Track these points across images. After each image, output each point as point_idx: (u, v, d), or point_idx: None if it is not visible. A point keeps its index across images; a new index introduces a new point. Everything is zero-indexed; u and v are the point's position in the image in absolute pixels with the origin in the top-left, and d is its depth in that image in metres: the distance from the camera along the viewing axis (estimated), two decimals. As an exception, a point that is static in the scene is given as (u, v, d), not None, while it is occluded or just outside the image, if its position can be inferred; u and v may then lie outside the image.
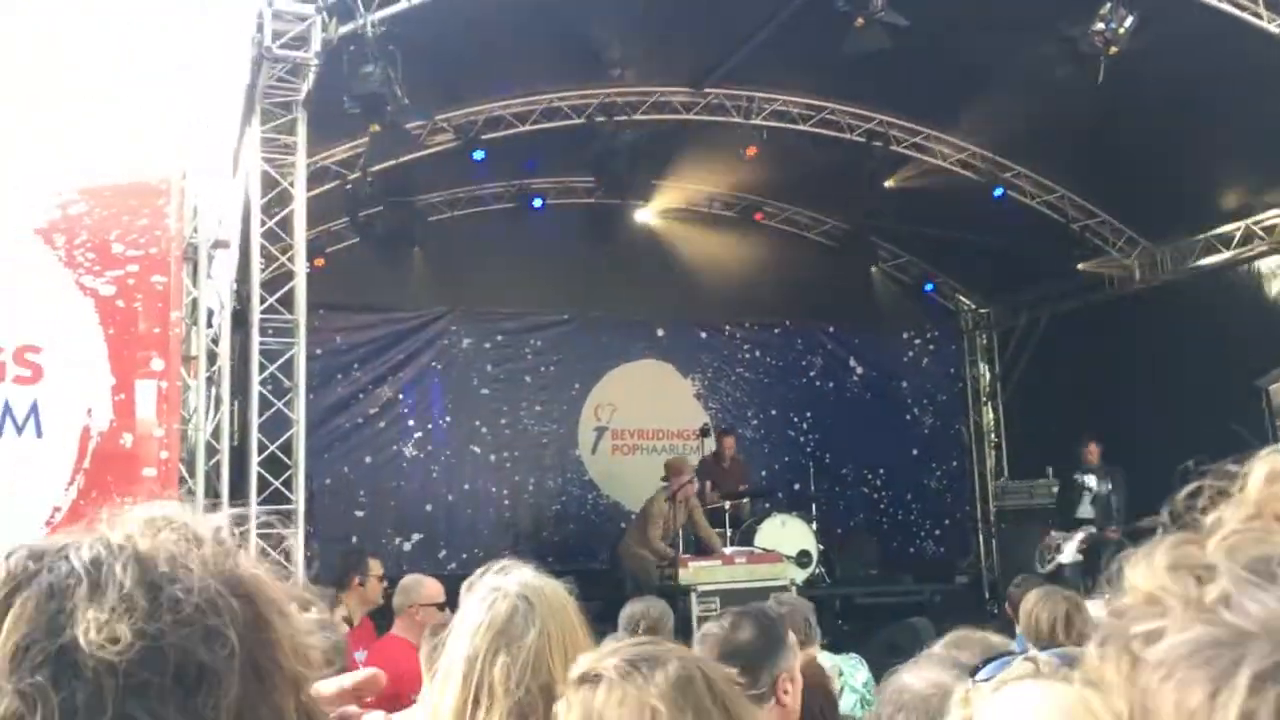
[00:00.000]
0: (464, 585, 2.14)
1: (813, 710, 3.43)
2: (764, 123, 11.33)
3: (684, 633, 4.32)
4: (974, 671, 1.43)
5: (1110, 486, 11.01)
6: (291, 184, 7.40)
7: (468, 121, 10.69)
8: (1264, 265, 11.03)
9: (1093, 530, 10.87)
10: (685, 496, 10.06)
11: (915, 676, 1.41)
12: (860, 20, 7.71)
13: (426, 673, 3.67)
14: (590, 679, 1.53)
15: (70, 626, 0.79)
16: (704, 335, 13.89)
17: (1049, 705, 1.32)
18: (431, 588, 5.55)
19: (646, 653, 1.55)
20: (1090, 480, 11.14)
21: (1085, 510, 11.07)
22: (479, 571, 2.12)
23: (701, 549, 10.07)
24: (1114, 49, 7.94)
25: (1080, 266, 12.59)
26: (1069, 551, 10.80)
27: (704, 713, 1.48)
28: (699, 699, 1.50)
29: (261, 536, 6.83)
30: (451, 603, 5.40)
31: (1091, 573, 10.52)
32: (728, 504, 10.83)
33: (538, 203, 12.56)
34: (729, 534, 10.57)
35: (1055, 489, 12.04)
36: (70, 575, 0.82)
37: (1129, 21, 7.85)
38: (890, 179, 11.94)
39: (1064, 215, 12.28)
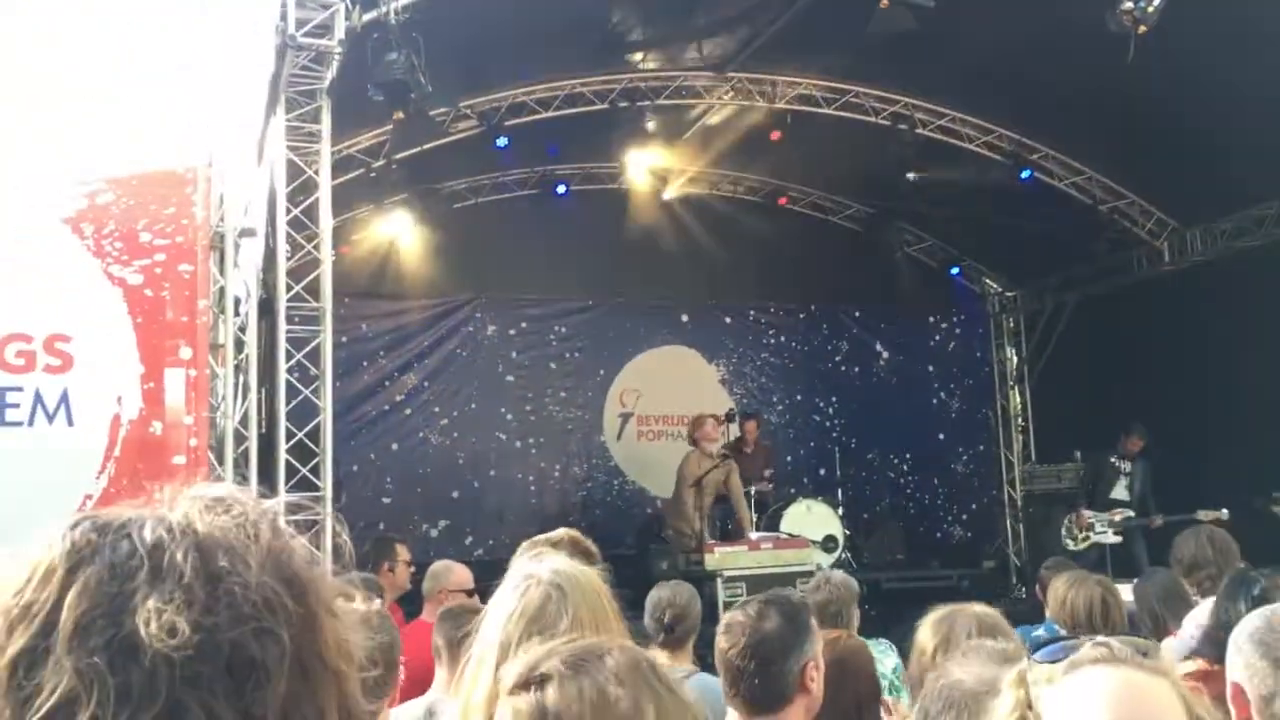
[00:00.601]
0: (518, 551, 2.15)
1: (858, 693, 3.42)
2: (788, 106, 11.27)
3: (710, 619, 4.31)
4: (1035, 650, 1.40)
5: (1143, 479, 11.14)
6: (316, 172, 7.42)
7: (491, 108, 10.69)
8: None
9: (1130, 514, 10.95)
10: (710, 440, 9.99)
11: (965, 672, 1.37)
12: (885, 1, 7.65)
13: (444, 659, 3.70)
14: (536, 681, 1.48)
15: (130, 611, 0.80)
16: (729, 320, 13.87)
17: (1132, 691, 1.29)
18: (461, 574, 5.58)
19: (584, 646, 1.52)
20: (1126, 465, 11.26)
21: (1120, 492, 11.19)
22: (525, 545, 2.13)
23: (729, 531, 10.07)
24: (1143, 28, 7.83)
25: (1108, 254, 12.50)
26: (1106, 531, 10.91)
27: (657, 695, 1.47)
28: (649, 681, 1.48)
29: (290, 523, 6.89)
30: (480, 589, 5.44)
31: (1124, 558, 10.51)
32: (752, 489, 10.81)
33: (561, 189, 12.56)
34: (754, 519, 10.56)
35: (1083, 470, 12.09)
36: (132, 556, 0.83)
37: (1158, 0, 7.74)
38: (915, 172, 11.88)
39: (1092, 197, 12.17)
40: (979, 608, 3.01)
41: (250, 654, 0.82)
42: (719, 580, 8.72)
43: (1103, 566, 9.99)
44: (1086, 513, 11.17)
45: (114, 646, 0.79)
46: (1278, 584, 3.06)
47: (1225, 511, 9.84)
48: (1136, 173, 11.82)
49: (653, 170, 12.35)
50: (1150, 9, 7.75)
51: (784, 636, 2.55)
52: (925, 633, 2.93)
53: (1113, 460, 11.37)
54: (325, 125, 7.40)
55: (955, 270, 14.70)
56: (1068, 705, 1.28)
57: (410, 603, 6.18)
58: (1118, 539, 10.87)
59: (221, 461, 6.61)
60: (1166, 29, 7.86)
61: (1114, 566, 10.19)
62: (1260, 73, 9.04)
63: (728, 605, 7.34)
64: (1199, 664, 2.92)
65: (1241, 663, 2.19)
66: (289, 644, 0.84)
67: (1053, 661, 1.36)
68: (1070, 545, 11.09)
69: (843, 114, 11.39)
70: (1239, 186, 10.89)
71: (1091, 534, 10.94)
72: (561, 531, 3.53)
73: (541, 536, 3.45)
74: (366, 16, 7.19)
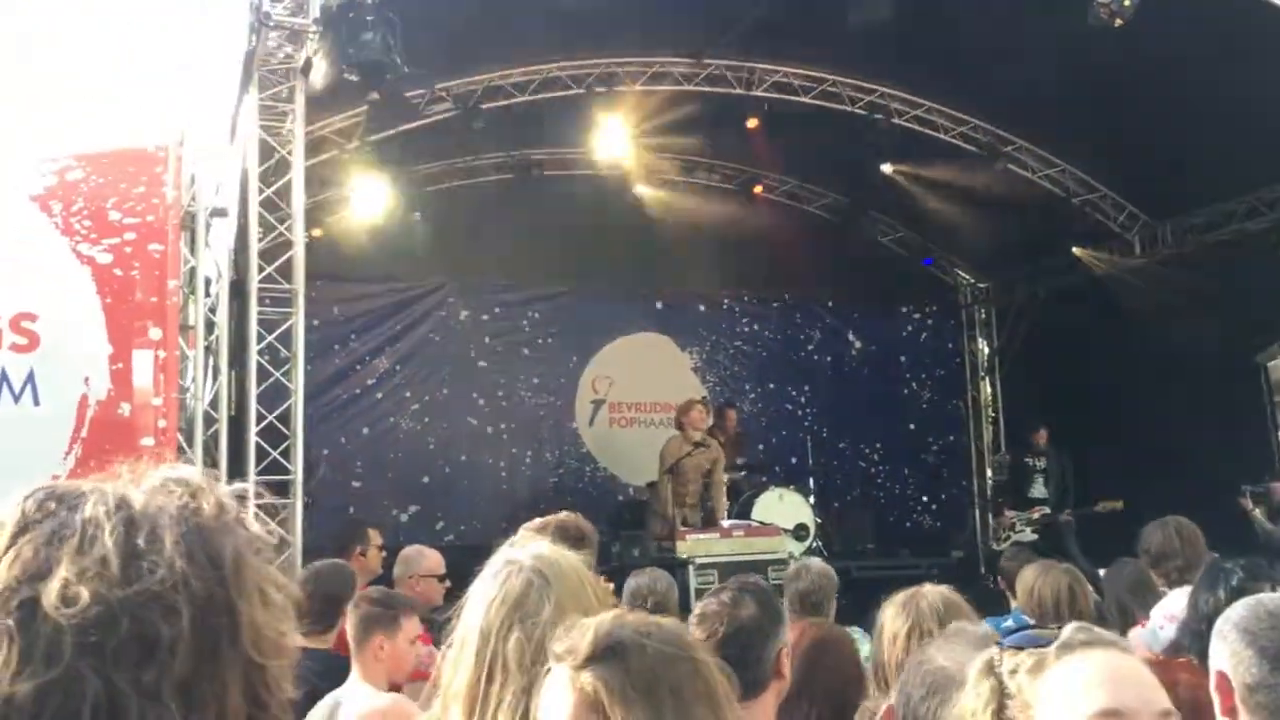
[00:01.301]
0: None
1: (845, 678, 3.42)
2: (765, 94, 11.26)
3: (683, 606, 4.31)
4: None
5: (1060, 469, 11.59)
6: (290, 152, 7.35)
7: (467, 91, 10.61)
8: (1265, 241, 10.99)
9: (1047, 510, 11.41)
10: (695, 426, 9.98)
11: (947, 658, 1.36)
12: (864, -10, 7.65)
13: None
14: (609, 650, 1.45)
15: (46, 578, 0.87)
16: (702, 308, 13.86)
17: (1127, 670, 1.29)
18: (432, 559, 5.56)
19: (642, 618, 1.52)
20: (1040, 463, 11.78)
21: (1038, 490, 11.68)
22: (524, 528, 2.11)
23: (703, 517, 10.07)
24: (1119, 21, 7.88)
25: (1077, 251, 12.63)
26: (1025, 530, 11.37)
27: (706, 660, 1.49)
28: (697, 649, 1.51)
29: (260, 507, 6.84)
30: (452, 574, 5.41)
31: (1045, 552, 10.66)
32: (726, 477, 10.83)
33: (536, 173, 12.48)
34: (727, 506, 10.58)
35: (1005, 471, 12.81)
36: (68, 527, 0.90)
37: (1135, -6, 7.79)
38: (890, 164, 11.94)
39: (1065, 189, 12.23)
40: (941, 589, 3.03)
41: (150, 630, 0.86)
42: (691, 567, 8.72)
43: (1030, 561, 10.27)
44: (1009, 513, 11.68)
45: (24, 609, 0.85)
46: (1254, 573, 3.08)
47: (1121, 502, 10.28)
48: (1109, 166, 11.90)
49: (629, 156, 12.31)
50: (1127, 4, 7.80)
51: (761, 624, 2.55)
52: (892, 619, 2.94)
53: (1026, 459, 11.93)
54: (299, 105, 7.33)
55: (928, 261, 14.75)
56: (1067, 687, 1.27)
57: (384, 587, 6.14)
58: (1035, 537, 11.17)
59: (191, 444, 6.55)
60: (1143, 24, 7.90)
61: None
62: (1233, 70, 9.11)
63: (699, 593, 7.37)
64: (1186, 658, 2.94)
65: (1227, 651, 2.21)
66: (188, 624, 0.87)
67: (1019, 648, 1.35)
68: (994, 545, 11.72)
69: (819, 103, 11.39)
70: (1210, 181, 10.98)
71: (1012, 533, 11.38)
72: (562, 515, 3.51)
73: (539, 521, 3.44)
74: (342, -5, 7.12)
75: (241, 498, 1.00)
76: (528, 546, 2.04)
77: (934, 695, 1.40)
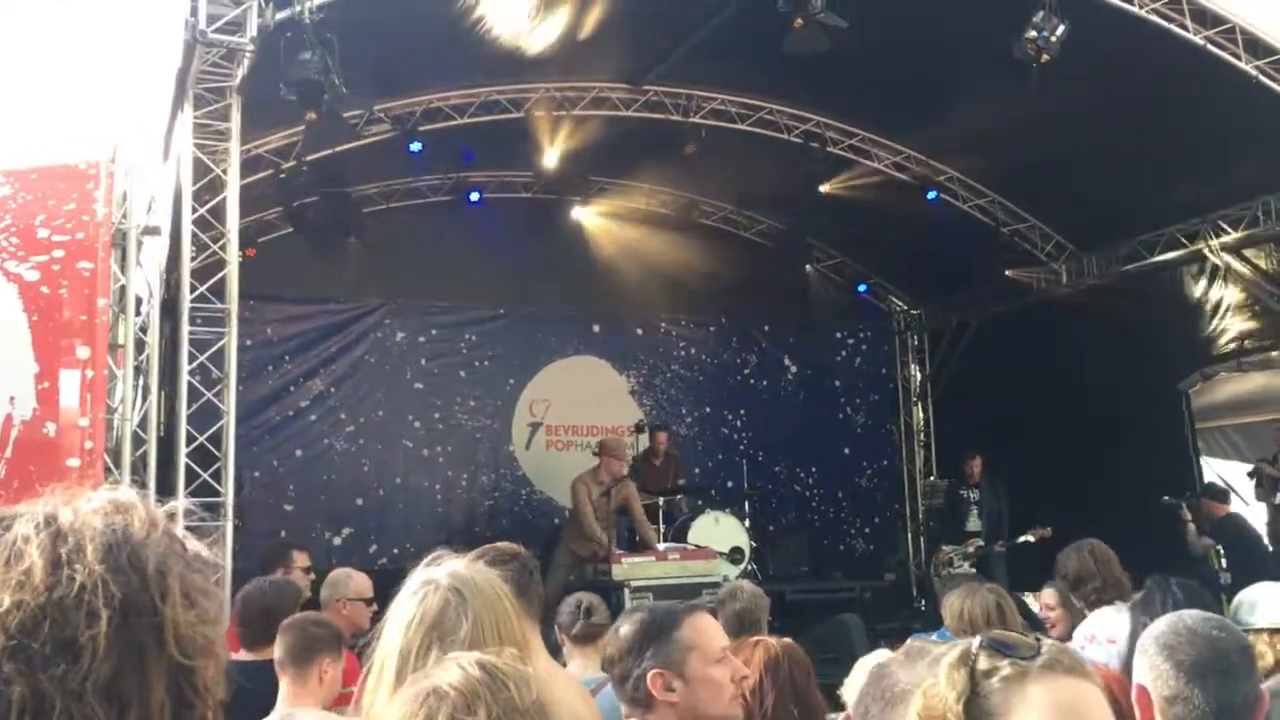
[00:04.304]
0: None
1: (796, 686, 3.44)
2: (702, 121, 11.38)
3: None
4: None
5: (995, 499, 11.56)
6: (225, 171, 7.28)
7: (406, 112, 10.60)
8: (1185, 272, 11.32)
9: (980, 543, 11.38)
10: (613, 474, 9.95)
11: (908, 674, 1.37)
12: (800, 21, 7.77)
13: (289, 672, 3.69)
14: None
15: None
16: (640, 332, 13.92)
17: (1099, 710, 1.28)
18: (360, 582, 5.49)
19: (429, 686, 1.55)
20: (974, 495, 11.74)
21: (974, 523, 11.63)
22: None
23: (637, 544, 10.08)
24: (1046, 57, 8.09)
25: (1009, 273, 12.85)
26: (963, 565, 11.33)
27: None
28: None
29: (189, 529, 6.74)
30: (379, 598, 5.37)
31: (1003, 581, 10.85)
32: (661, 500, 10.86)
33: (475, 196, 12.48)
34: (662, 530, 10.61)
35: (942, 506, 12.70)
36: None
37: (1060, 30, 8.00)
38: (826, 183, 12.08)
39: (994, 219, 12.49)
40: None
41: (71, 633, 0.91)
42: (626, 590, 8.74)
43: None
44: (945, 548, 11.65)
45: None
46: (1191, 596, 3.19)
47: (1050, 530, 10.46)
48: (1036, 198, 12.18)
49: (566, 180, 12.35)
50: (1053, 39, 8.01)
51: (630, 642, 2.53)
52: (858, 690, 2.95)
53: (961, 492, 11.93)
54: (235, 123, 7.27)
55: (863, 288, 14.96)
56: (1043, 710, 1.26)
57: (311, 611, 6.07)
58: (972, 570, 11.14)
59: (119, 465, 6.44)
60: (1070, 61, 8.12)
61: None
62: (1157, 107, 9.40)
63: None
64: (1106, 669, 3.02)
65: (1146, 664, 2.29)
66: (107, 624, 0.92)
67: (999, 651, 1.32)
68: (935, 583, 11.53)
69: (756, 130, 11.53)
70: (1133, 213, 11.28)
71: (951, 569, 11.38)
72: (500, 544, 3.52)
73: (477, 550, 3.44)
74: (280, 15, 7.08)
75: (172, 515, 1.05)
76: (444, 564, 2.05)
77: (891, 708, 1.41)
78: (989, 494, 11.61)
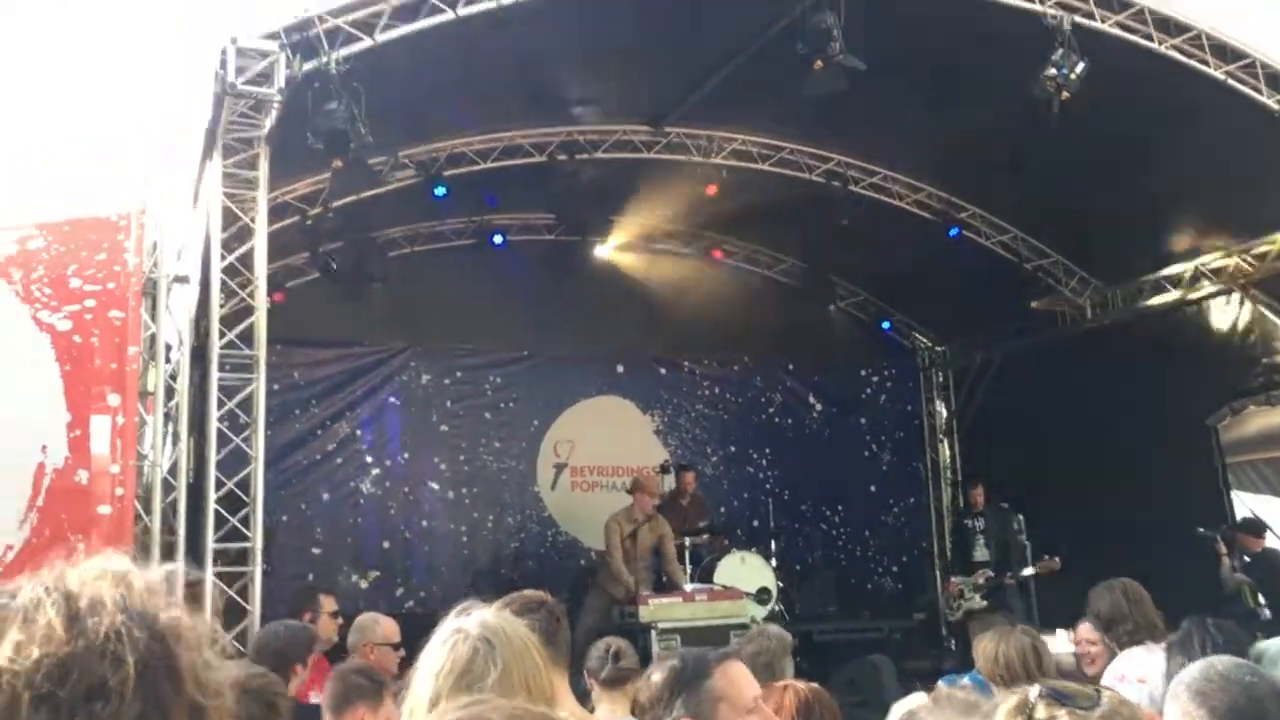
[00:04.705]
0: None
1: None
2: (724, 161, 11.46)
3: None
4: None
5: (1000, 528, 11.34)
6: (253, 219, 7.38)
7: (430, 158, 10.73)
8: (1211, 305, 11.26)
9: (990, 574, 11.17)
10: (644, 510, 10.00)
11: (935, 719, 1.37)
12: (819, 63, 7.83)
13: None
14: None
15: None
16: (663, 372, 13.93)
17: None
18: (387, 627, 5.51)
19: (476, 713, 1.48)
20: (978, 523, 11.54)
21: (981, 553, 11.42)
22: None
23: (664, 585, 10.05)
24: (1065, 94, 8.11)
25: (1033, 304, 12.82)
26: (973, 597, 11.17)
27: None
28: None
29: (218, 575, 6.78)
30: (407, 642, 5.38)
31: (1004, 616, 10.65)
32: (687, 541, 10.83)
33: (498, 239, 12.58)
34: (688, 570, 10.57)
35: (951, 539, 12.58)
36: (8, 609, 1.02)
37: (1080, 67, 8.03)
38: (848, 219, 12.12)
39: (1017, 255, 12.48)
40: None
41: (99, 677, 0.97)
42: (653, 632, 8.70)
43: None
44: (955, 580, 11.49)
45: None
46: (1231, 638, 3.17)
47: (1057, 560, 10.36)
48: (1060, 233, 12.17)
49: (589, 222, 12.44)
50: (1073, 76, 8.04)
51: (661, 690, 2.55)
52: None
53: (966, 521, 11.76)
54: (263, 172, 7.38)
55: (886, 325, 14.94)
56: None
57: (338, 655, 6.09)
58: (984, 603, 11.05)
59: (149, 511, 6.50)
60: (1091, 96, 8.15)
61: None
62: (1180, 141, 9.40)
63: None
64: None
65: (1179, 710, 2.28)
66: (134, 669, 0.99)
67: (1058, 701, 1.32)
68: (949, 616, 11.47)
69: (777, 170, 11.60)
70: (1158, 247, 11.26)
71: (963, 601, 11.24)
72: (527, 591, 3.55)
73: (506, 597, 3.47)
74: (307, 66, 7.20)
75: (169, 580, 1.14)
76: (474, 614, 2.07)
77: None
78: (993, 522, 11.41)
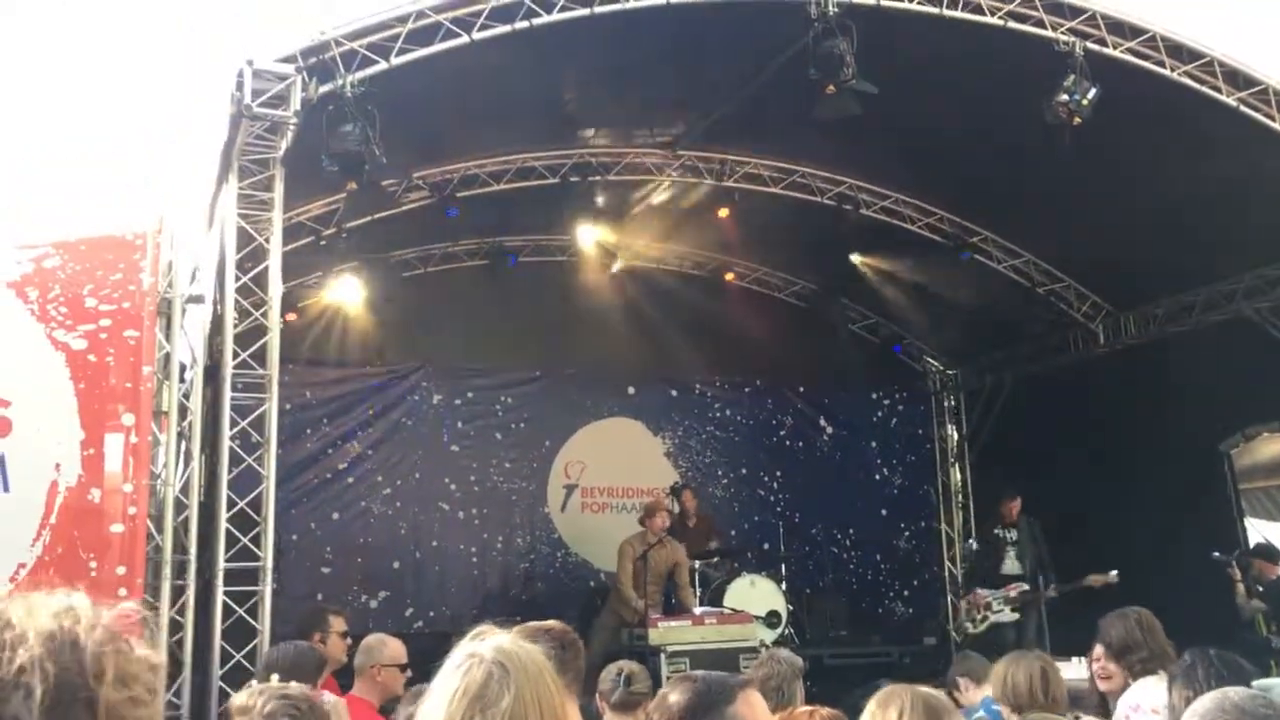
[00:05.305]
0: None
1: None
2: (736, 185, 11.49)
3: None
4: None
5: (1033, 542, 11.03)
6: (267, 240, 7.42)
7: (443, 179, 10.78)
8: (1224, 331, 11.22)
9: (1024, 587, 10.80)
10: (655, 531, 10.00)
11: None
12: (831, 87, 7.86)
13: None
14: None
15: None
16: (675, 394, 13.94)
17: None
18: (394, 648, 5.49)
19: None
20: (1011, 535, 11.16)
21: (1011, 566, 11.06)
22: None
23: (674, 608, 10.03)
24: (1077, 119, 8.13)
25: (1045, 333, 12.79)
26: (1003, 610, 10.79)
27: None
28: None
29: (229, 594, 6.79)
30: (415, 663, 5.37)
31: (1028, 631, 10.43)
32: (697, 563, 10.81)
33: (511, 260, 12.62)
34: (698, 593, 10.55)
35: (975, 551, 11.95)
36: None
37: (1092, 93, 8.05)
38: (859, 255, 12.17)
39: (1029, 280, 12.48)
40: (923, 689, 3.05)
41: (11, 707, 1.07)
42: (663, 655, 8.67)
43: (1010, 643, 9.83)
44: (982, 592, 11.04)
45: None
46: (1233, 670, 3.15)
47: (1115, 573, 9.96)
48: (1072, 258, 12.16)
49: (602, 244, 12.48)
50: (1084, 102, 8.06)
51: (679, 713, 2.53)
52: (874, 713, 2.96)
53: (997, 532, 11.28)
54: (278, 194, 7.43)
55: (897, 348, 14.93)
56: None
57: (346, 676, 6.09)
58: (1015, 616, 10.71)
59: (161, 530, 6.52)
60: (1103, 121, 8.16)
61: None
62: (1192, 165, 9.40)
63: (670, 681, 7.31)
64: None
65: None
66: (43, 701, 1.08)
67: None
68: (970, 628, 10.93)
69: (789, 193, 11.63)
70: (1170, 273, 11.23)
71: (990, 614, 10.84)
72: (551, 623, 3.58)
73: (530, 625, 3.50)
74: (323, 88, 7.26)
75: (126, 617, 1.24)
76: (488, 639, 2.07)
77: None
78: (1026, 535, 11.05)
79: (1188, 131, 9.00)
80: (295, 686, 3.03)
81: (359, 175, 7.80)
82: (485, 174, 10.95)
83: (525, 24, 7.49)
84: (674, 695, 2.57)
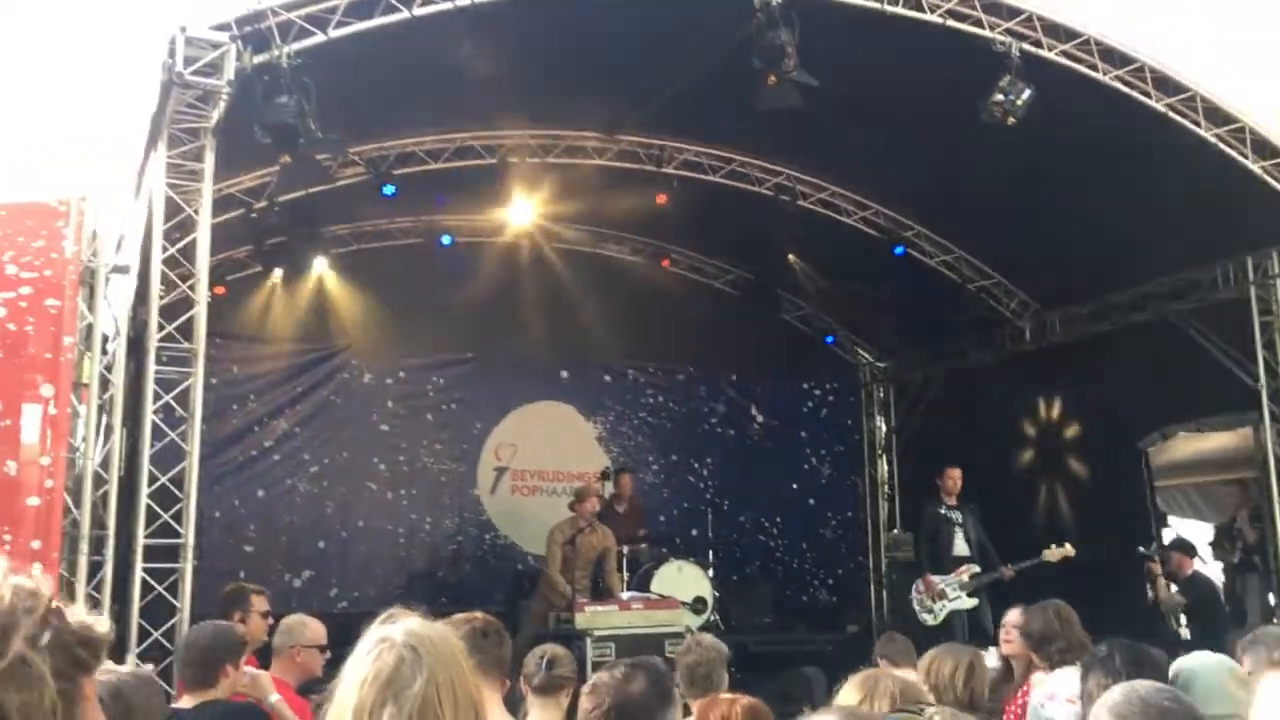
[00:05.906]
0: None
1: None
2: (675, 171, 11.49)
3: (580, 678, 4.31)
4: None
5: (977, 520, 10.59)
6: (196, 211, 7.26)
7: (379, 155, 10.64)
8: (1146, 332, 11.46)
9: (975, 569, 10.30)
10: (585, 518, 9.99)
11: None
12: (773, 78, 7.88)
13: None
14: None
15: None
16: (607, 379, 13.94)
17: None
18: (314, 629, 5.40)
19: None
20: (957, 515, 10.59)
21: (961, 548, 10.48)
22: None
23: (601, 592, 10.05)
24: (1011, 120, 8.24)
25: (973, 330, 12.98)
26: (960, 595, 10.26)
27: None
28: None
29: (148, 571, 6.66)
30: (338, 644, 5.30)
31: (985, 618, 9.87)
32: (625, 548, 10.84)
33: (446, 239, 12.51)
34: (625, 577, 10.58)
35: (919, 531, 11.19)
36: None
37: (1026, 95, 8.16)
38: (794, 250, 12.26)
39: (960, 275, 12.65)
40: (898, 674, 3.10)
41: None
42: (588, 640, 8.68)
43: (963, 635, 9.64)
44: (934, 578, 10.37)
45: None
46: (1138, 659, 3.24)
47: (1069, 546, 9.71)
48: (1002, 255, 12.35)
49: (538, 226, 12.42)
50: (1019, 103, 8.17)
51: (648, 701, 2.57)
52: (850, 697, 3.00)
53: (941, 511, 10.61)
54: (208, 164, 7.26)
55: (830, 339, 15.07)
56: None
57: (268, 656, 6.00)
58: (974, 601, 10.22)
59: (79, 504, 6.36)
60: (1037, 122, 8.28)
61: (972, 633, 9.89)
62: (1122, 167, 9.58)
63: (597, 665, 7.33)
64: None
65: None
66: None
67: None
68: (928, 620, 10.22)
69: (728, 182, 11.66)
70: (1098, 273, 11.44)
71: (947, 602, 10.24)
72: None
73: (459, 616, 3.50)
74: (258, 58, 7.11)
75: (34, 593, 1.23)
76: (400, 621, 2.05)
77: None
78: (969, 514, 10.54)
79: (1119, 135, 9.17)
80: None
81: (293, 148, 7.66)
82: (423, 152, 10.83)
83: (467, 1, 7.41)
84: (634, 685, 2.58)
